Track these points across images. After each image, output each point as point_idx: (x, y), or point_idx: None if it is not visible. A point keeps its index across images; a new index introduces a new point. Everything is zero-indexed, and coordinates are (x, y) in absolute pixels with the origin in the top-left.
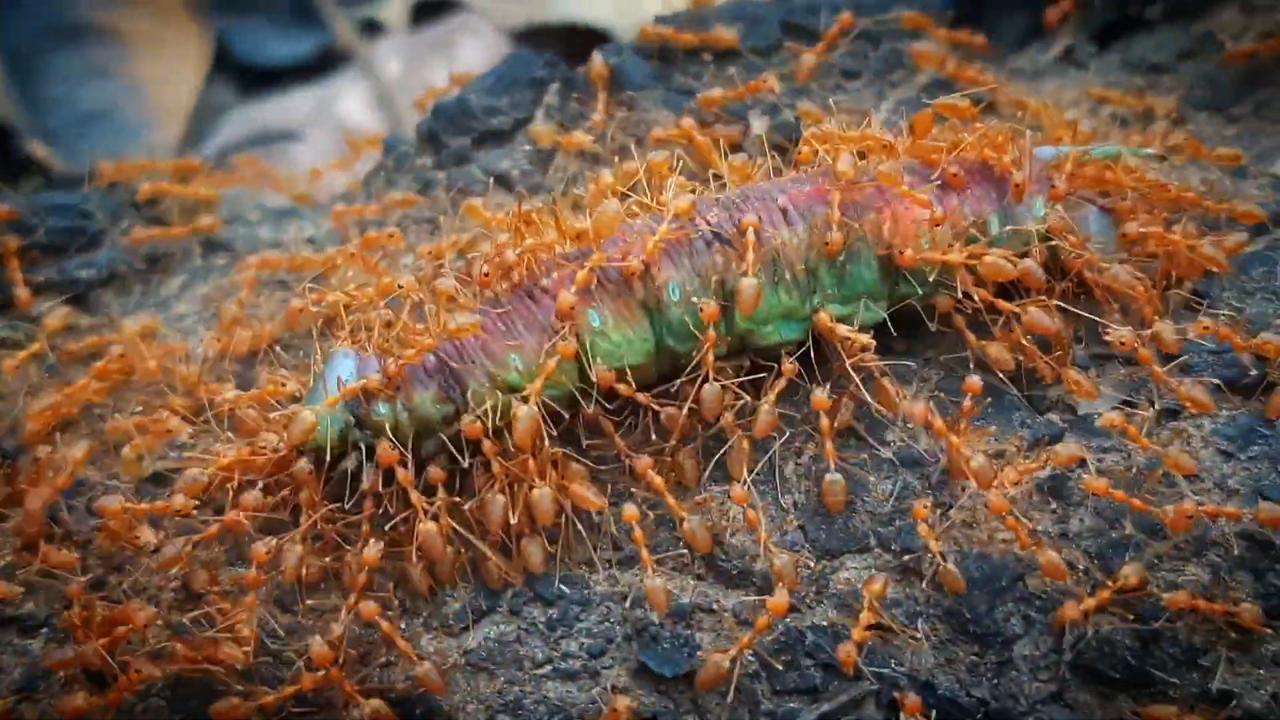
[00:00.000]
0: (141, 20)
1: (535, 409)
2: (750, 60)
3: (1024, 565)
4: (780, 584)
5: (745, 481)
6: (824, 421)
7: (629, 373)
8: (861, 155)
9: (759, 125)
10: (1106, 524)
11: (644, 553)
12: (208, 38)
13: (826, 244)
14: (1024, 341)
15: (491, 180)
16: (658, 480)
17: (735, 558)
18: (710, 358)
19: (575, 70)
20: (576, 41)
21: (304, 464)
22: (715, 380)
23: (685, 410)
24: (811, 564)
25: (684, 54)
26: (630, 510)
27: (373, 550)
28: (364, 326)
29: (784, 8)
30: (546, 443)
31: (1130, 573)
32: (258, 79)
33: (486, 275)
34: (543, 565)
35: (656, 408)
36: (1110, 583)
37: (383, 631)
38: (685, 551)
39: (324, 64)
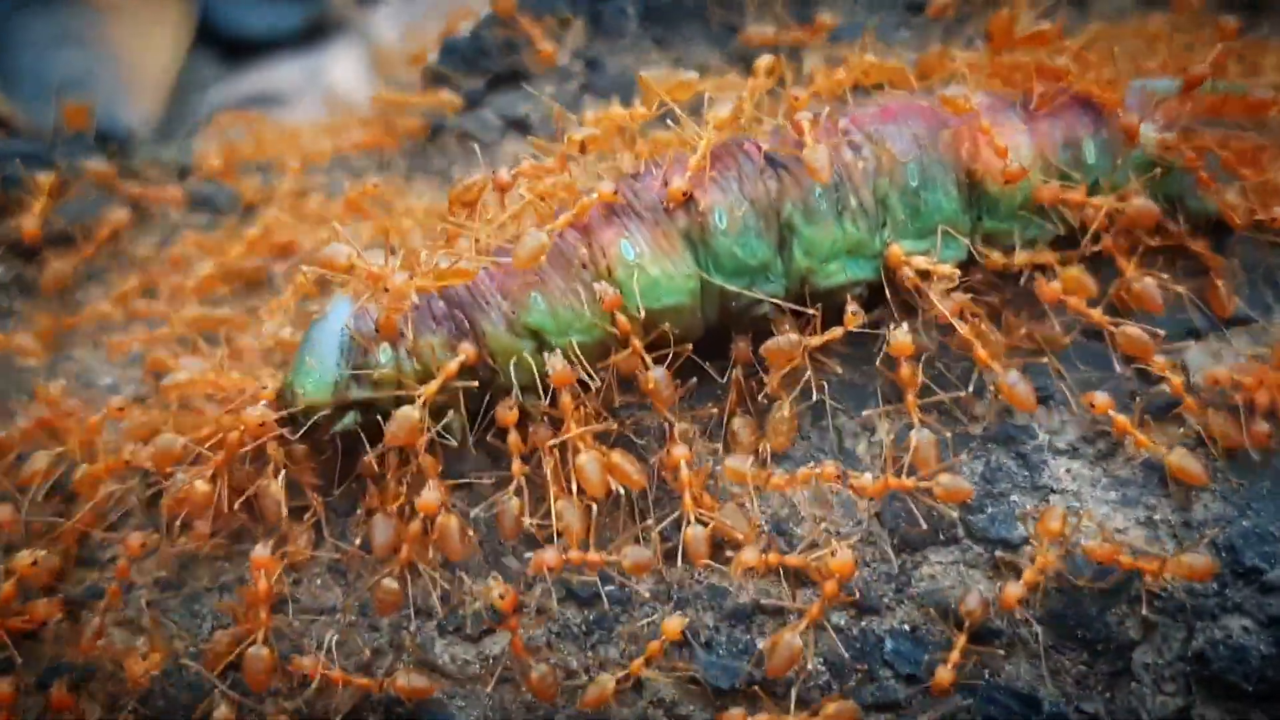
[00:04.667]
0: None
1: (417, 413)
2: None
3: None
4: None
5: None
6: (904, 370)
7: (670, 316)
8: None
9: (812, 63)
10: (1236, 510)
11: (686, 496)
12: (190, 6)
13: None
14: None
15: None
16: (685, 475)
17: (800, 551)
18: (638, 345)
19: (602, 4)
20: None
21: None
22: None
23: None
24: (891, 559)
25: None
26: (680, 451)
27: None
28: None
29: None
30: (585, 405)
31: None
32: (243, 51)
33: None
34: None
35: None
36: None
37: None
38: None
39: (314, 35)
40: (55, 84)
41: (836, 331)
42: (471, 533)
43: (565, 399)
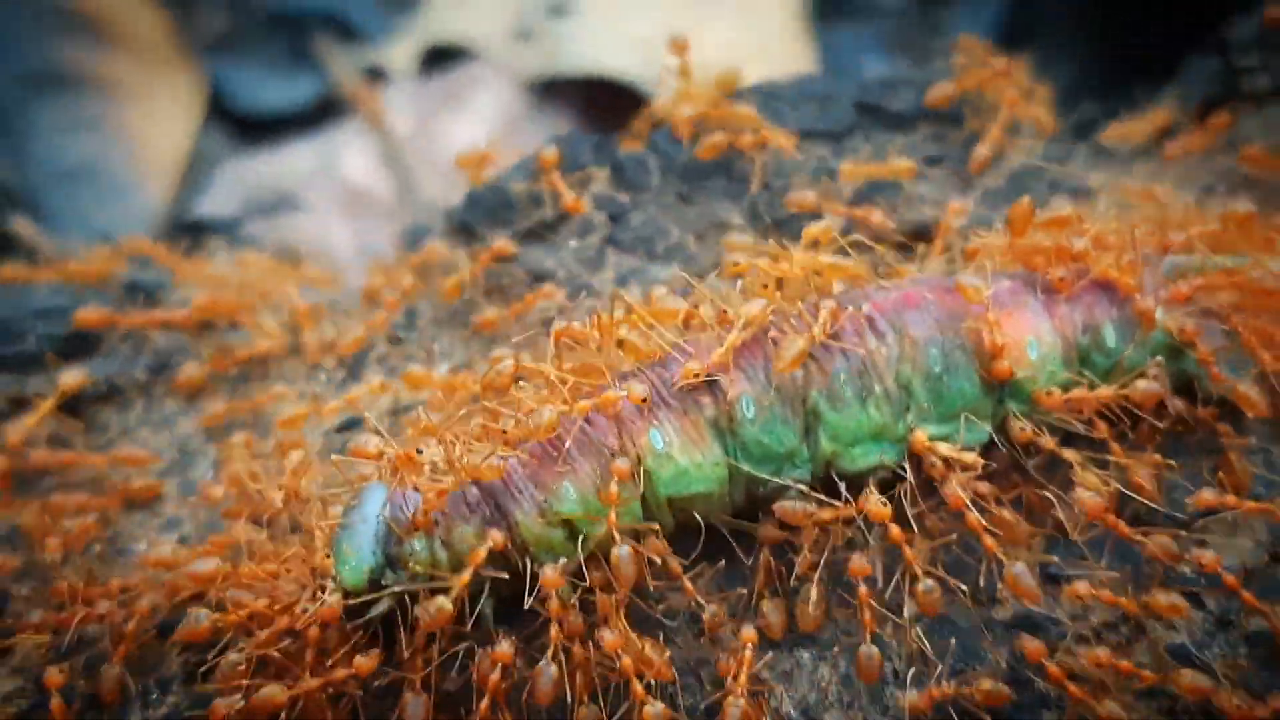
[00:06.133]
0: (128, 66)
1: (630, 548)
2: (814, 146)
3: None
4: None
5: None
6: (893, 532)
7: (699, 503)
8: None
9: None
10: None
11: (743, 675)
12: (200, 83)
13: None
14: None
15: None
16: (748, 657)
17: None
18: (613, 518)
19: (621, 153)
20: (597, 95)
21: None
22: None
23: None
24: None
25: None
26: (749, 633)
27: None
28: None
29: (856, 86)
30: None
31: None
32: (254, 127)
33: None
34: None
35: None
36: None
37: None
38: None
39: (324, 111)
40: (65, 170)
41: (850, 510)
42: None
43: (616, 634)
